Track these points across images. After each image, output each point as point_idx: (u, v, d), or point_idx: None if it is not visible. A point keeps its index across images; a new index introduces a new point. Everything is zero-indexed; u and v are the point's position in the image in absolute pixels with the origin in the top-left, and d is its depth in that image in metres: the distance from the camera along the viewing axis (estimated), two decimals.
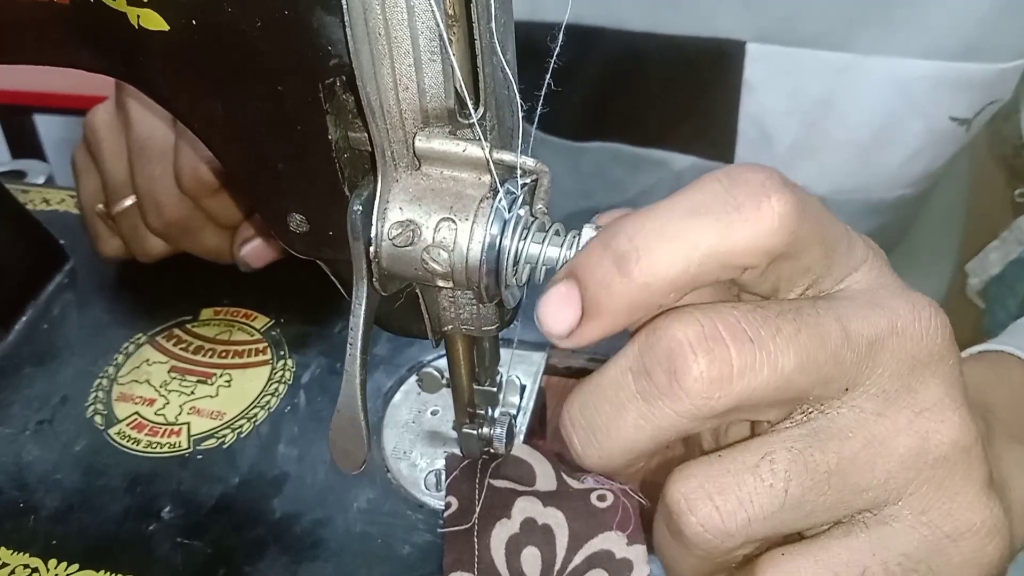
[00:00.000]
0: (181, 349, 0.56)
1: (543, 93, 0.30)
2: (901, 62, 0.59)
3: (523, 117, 0.32)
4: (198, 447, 0.50)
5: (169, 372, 0.54)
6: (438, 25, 0.27)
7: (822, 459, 0.28)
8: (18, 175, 0.79)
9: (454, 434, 0.46)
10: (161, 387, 0.53)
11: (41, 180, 0.79)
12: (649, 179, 0.71)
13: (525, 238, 0.31)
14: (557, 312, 0.28)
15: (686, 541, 0.29)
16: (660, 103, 0.68)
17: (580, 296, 0.28)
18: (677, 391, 0.27)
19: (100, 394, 0.53)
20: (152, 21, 0.30)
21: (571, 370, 0.54)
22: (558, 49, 0.29)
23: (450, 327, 0.37)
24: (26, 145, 1.65)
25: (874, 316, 0.28)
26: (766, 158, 0.66)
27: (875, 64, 0.60)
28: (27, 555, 0.45)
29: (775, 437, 0.29)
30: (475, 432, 0.44)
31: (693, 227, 0.27)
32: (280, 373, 0.54)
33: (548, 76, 0.30)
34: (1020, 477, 0.35)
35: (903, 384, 0.29)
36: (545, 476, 0.45)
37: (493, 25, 0.28)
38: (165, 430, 0.51)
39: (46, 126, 1.65)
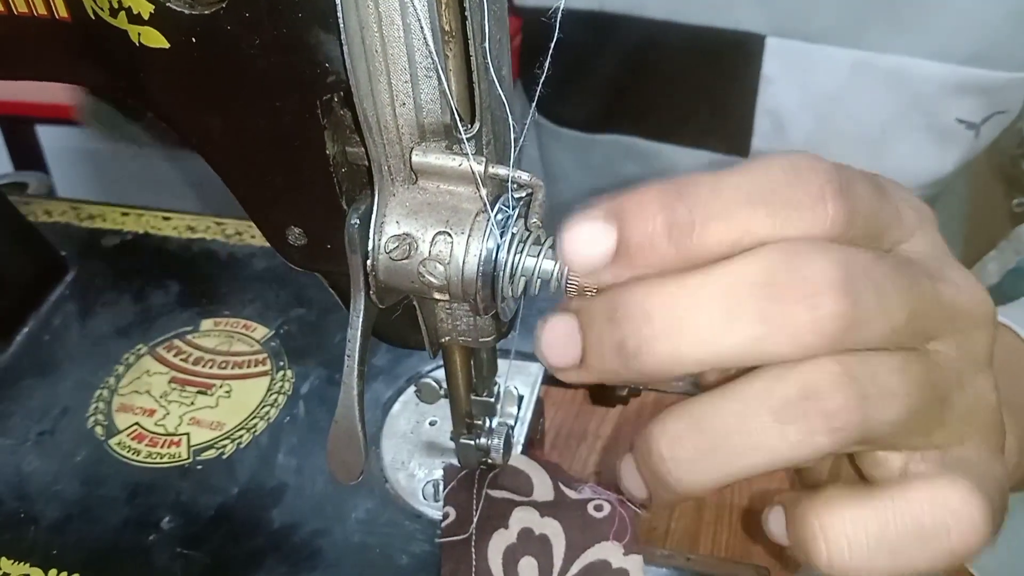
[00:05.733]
0: (181, 360, 0.56)
1: (541, 79, 0.30)
2: (909, 61, 0.60)
3: (536, 108, 0.31)
4: (198, 457, 0.50)
5: (169, 383, 0.54)
6: (427, 44, 0.28)
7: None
8: (20, 186, 0.80)
9: (452, 445, 0.46)
10: (161, 398, 0.54)
11: (43, 191, 0.80)
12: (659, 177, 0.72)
13: (520, 251, 0.32)
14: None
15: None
16: (676, 94, 0.68)
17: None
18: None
19: (101, 405, 0.53)
20: (153, 39, 0.30)
21: None
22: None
23: (447, 338, 0.37)
24: (28, 156, 1.65)
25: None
26: (780, 152, 0.67)
27: (884, 62, 0.61)
28: (27, 565, 0.45)
29: None
30: (473, 443, 0.44)
31: (746, 215, 0.27)
32: (279, 384, 0.54)
33: (547, 61, 0.30)
34: (1008, 436, 0.36)
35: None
36: (542, 486, 0.45)
37: (487, 44, 0.28)
38: (165, 440, 0.51)
39: (48, 137, 1.65)
